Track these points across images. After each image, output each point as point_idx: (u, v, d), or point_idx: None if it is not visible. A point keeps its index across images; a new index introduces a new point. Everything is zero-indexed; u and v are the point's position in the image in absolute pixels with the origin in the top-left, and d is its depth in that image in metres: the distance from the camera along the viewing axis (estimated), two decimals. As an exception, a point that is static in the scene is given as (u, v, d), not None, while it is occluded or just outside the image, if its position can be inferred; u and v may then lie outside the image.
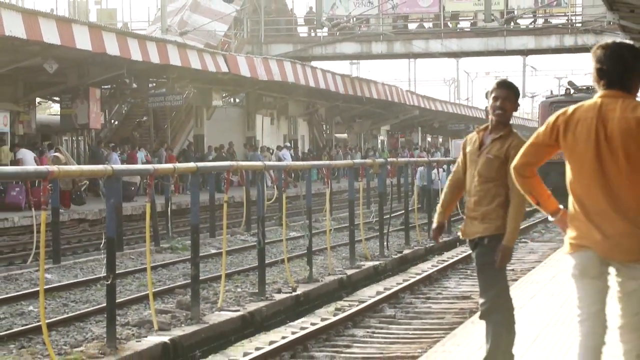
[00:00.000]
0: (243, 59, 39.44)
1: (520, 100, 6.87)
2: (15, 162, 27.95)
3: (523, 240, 23.08)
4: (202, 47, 38.60)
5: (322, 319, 13.05)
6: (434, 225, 6.92)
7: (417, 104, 60.34)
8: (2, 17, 24.36)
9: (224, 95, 45.27)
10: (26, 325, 12.25)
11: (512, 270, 16.88)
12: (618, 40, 5.27)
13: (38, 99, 38.18)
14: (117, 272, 11.72)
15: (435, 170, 27.80)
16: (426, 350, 9.76)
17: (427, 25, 54.46)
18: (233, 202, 29.27)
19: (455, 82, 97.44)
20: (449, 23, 53.85)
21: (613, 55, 4.98)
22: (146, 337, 11.33)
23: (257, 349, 11.16)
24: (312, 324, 12.66)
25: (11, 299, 14.30)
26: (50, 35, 26.18)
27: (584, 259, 5.06)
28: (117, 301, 11.22)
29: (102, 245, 18.15)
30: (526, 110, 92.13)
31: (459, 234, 7.02)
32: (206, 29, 45.94)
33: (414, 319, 13.49)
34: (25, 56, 28.50)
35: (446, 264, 18.83)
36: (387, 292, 15.13)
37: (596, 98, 5.02)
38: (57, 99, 38.14)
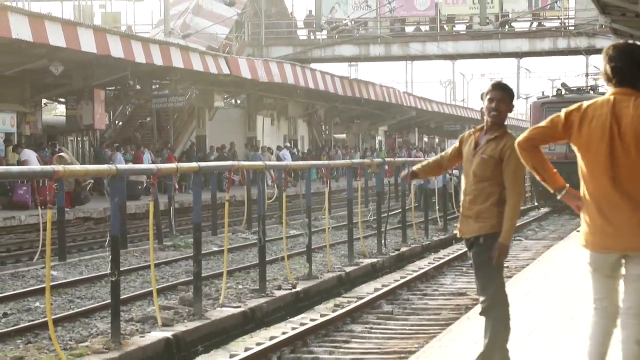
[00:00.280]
0: (244, 61, 39.45)
1: (514, 102, 6.88)
2: (20, 163, 27.95)
3: (517, 238, 23.08)
4: (204, 49, 38.59)
5: (322, 315, 13.05)
6: (409, 171, 7.12)
7: (414, 105, 60.34)
8: (9, 20, 24.37)
9: (225, 96, 45.27)
10: (33, 321, 12.24)
11: (507, 267, 16.86)
12: (617, 42, 5.34)
13: (44, 100, 38.17)
14: (121, 269, 11.72)
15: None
16: (423, 345, 9.75)
17: (424, 28, 54.51)
18: (234, 201, 29.26)
19: (451, 84, 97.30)
20: (445, 26, 53.88)
21: (623, 55, 5.07)
22: (150, 332, 11.33)
23: (258, 344, 11.16)
24: (312, 320, 12.66)
25: (18, 296, 14.30)
26: (56, 37, 26.18)
27: (597, 259, 5.14)
28: (121, 297, 11.23)
29: (106, 243, 18.20)
30: (520, 112, 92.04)
31: (456, 232, 7.03)
32: (208, 31, 45.93)
33: (411, 314, 13.49)
34: (31, 58, 28.50)
35: (442, 261, 18.83)
36: (385, 289, 15.13)
37: (608, 95, 5.12)
38: (62, 100, 38.16)
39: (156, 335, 11.12)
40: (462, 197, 6.83)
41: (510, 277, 13.63)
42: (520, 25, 53.73)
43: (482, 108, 6.88)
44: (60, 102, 41.18)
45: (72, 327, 11.99)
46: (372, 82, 54.58)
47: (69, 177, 18.45)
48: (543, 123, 5.31)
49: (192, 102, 41.44)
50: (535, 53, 53.12)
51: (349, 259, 18.31)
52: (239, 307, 13.14)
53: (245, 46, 51.33)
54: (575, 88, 33.12)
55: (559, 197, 5.34)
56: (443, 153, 7.14)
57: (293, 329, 12.08)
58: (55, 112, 52.97)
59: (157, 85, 39.59)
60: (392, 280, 16.51)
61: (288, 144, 50.54)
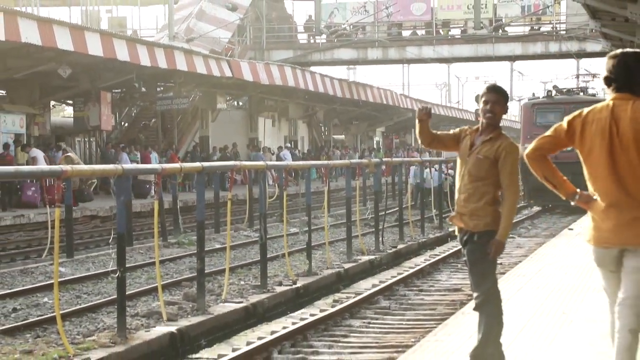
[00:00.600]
0: (246, 64, 39.43)
1: (508, 104, 6.86)
2: (29, 161, 27.98)
3: (511, 235, 23.06)
4: (207, 53, 38.57)
5: (321, 310, 13.05)
6: (428, 109, 6.81)
7: (411, 106, 60.28)
8: (19, 25, 24.36)
9: (228, 98, 45.23)
10: (41, 315, 12.24)
11: (501, 264, 16.86)
12: (617, 49, 5.43)
13: (52, 102, 38.15)
14: (127, 265, 11.72)
15: (427, 170, 27.81)
16: (419, 339, 9.75)
17: (420, 32, 54.49)
18: (236, 199, 29.24)
19: (447, 86, 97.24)
20: (440, 30, 53.87)
21: (618, 64, 5.23)
22: (155, 327, 11.33)
23: (260, 338, 11.17)
24: (312, 315, 12.66)
25: (27, 291, 14.29)
26: (64, 41, 26.17)
27: (600, 254, 5.26)
28: (127, 293, 11.21)
29: (110, 239, 18.19)
30: (514, 113, 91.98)
31: (452, 230, 7.02)
32: (211, 36, 45.92)
33: (407, 310, 13.48)
34: (40, 62, 28.48)
35: (438, 258, 18.83)
36: (382, 285, 15.13)
37: (608, 100, 5.27)
38: (70, 102, 38.16)
39: (161, 329, 11.11)
40: (456, 195, 6.82)
41: (503, 273, 13.62)
42: (513, 30, 53.75)
43: (477, 110, 6.87)
44: (68, 104, 41.17)
45: (79, 321, 11.99)
46: (370, 84, 54.57)
47: (76, 177, 18.42)
48: (548, 132, 5.43)
49: (195, 104, 41.43)
50: (527, 56, 53.11)
51: (348, 256, 18.31)
52: (241, 302, 13.14)
53: (247, 50, 51.31)
54: (565, 90, 33.03)
55: (573, 203, 5.44)
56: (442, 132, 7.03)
57: (293, 323, 12.08)
58: (63, 113, 52.93)
59: (162, 88, 39.57)
60: (389, 276, 16.51)
61: (289, 145, 50.51)
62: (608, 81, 5.28)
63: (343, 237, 20.43)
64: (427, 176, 27.51)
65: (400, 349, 10.15)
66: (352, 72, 79.69)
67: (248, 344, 10.84)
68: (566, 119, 5.39)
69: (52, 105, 39.47)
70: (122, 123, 43.80)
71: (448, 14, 54.19)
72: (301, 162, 30.78)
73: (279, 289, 14.38)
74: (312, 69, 49.45)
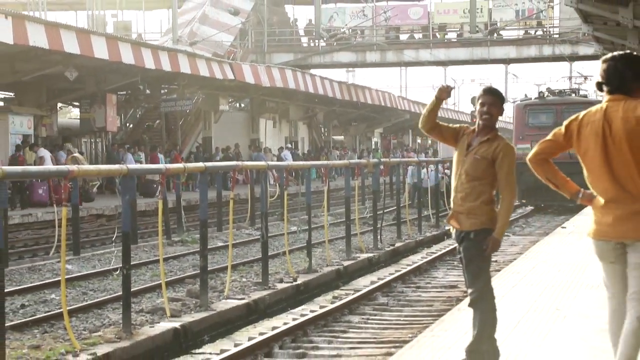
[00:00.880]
0: (248, 67, 39.43)
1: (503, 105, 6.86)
2: (38, 160, 27.99)
3: (505, 234, 23.05)
4: (210, 56, 38.57)
5: (321, 307, 13.04)
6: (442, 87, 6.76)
7: (408, 108, 60.30)
8: (27, 29, 24.36)
9: (230, 100, 45.24)
10: (49, 312, 12.24)
11: (496, 261, 16.88)
12: (614, 52, 5.56)
13: (59, 104, 38.14)
14: (131, 263, 11.72)
15: (424, 170, 27.81)
16: (416, 335, 9.75)
17: (417, 36, 54.53)
18: (238, 199, 29.25)
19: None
20: (437, 34, 53.89)
21: (610, 69, 5.33)
22: (159, 323, 11.33)
23: (261, 334, 11.16)
24: (312, 311, 12.66)
25: (35, 288, 14.29)
26: (70, 45, 26.17)
27: (599, 247, 5.37)
28: (132, 290, 11.22)
29: (113, 237, 18.18)
30: (508, 115, 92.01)
31: (449, 227, 7.01)
32: (214, 39, 45.91)
33: (405, 306, 13.48)
34: (48, 65, 28.47)
35: (435, 255, 18.83)
36: (381, 282, 15.13)
37: (603, 103, 5.38)
38: (76, 104, 38.14)
39: (165, 325, 11.11)
40: (452, 194, 6.82)
41: (498, 270, 13.63)
42: (508, 34, 53.77)
43: (473, 111, 6.87)
44: (74, 106, 41.16)
45: (85, 317, 11.99)
46: (368, 87, 54.54)
47: (82, 177, 18.42)
48: (548, 137, 5.57)
49: (198, 105, 41.42)
50: (522, 59, 53.15)
51: (347, 253, 18.31)
52: (243, 299, 13.14)
53: (249, 53, 51.31)
54: (557, 91, 32.92)
55: (577, 202, 5.58)
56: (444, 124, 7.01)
57: (294, 319, 12.07)
58: (70, 115, 52.84)
59: (166, 90, 39.56)
60: (387, 273, 16.51)
61: (289, 145, 50.50)
62: (601, 85, 5.37)
63: (342, 236, 20.42)
64: (424, 176, 27.52)
65: (397, 344, 10.14)
66: (351, 74, 79.71)
67: (250, 339, 10.83)
68: (564, 122, 5.51)
69: (59, 107, 39.46)
70: (127, 124, 43.80)
71: (444, 18, 54.21)
72: (301, 162, 30.76)
73: (279, 286, 14.38)
74: (312, 71, 49.43)
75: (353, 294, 14.05)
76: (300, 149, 52.65)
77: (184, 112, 40.15)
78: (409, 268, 16.92)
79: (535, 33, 52.80)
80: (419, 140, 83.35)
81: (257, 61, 48.59)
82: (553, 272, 12.54)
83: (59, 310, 11.47)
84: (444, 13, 54.23)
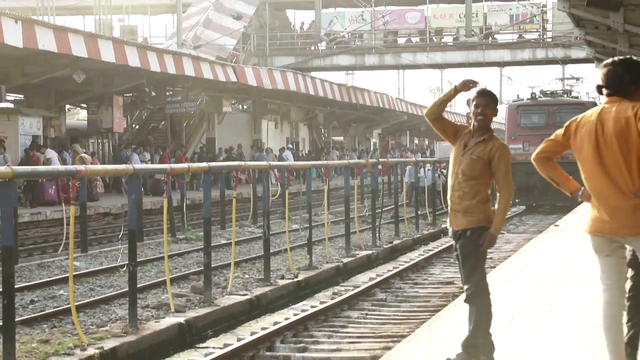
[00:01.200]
0: (250, 70, 39.42)
1: (498, 107, 6.85)
2: (45, 160, 28.00)
3: (500, 232, 23.05)
4: (213, 59, 38.55)
5: (321, 302, 13.05)
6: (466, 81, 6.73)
7: (406, 110, 60.30)
8: (37, 33, 24.37)
9: (233, 102, 45.25)
10: (57, 307, 12.24)
11: (491, 258, 16.87)
12: (613, 56, 5.63)
13: (67, 106, 38.15)
14: (137, 260, 11.72)
15: (422, 170, 27.80)
16: (414, 329, 9.74)
17: (415, 39, 54.53)
18: (241, 197, 29.21)
19: (440, 91, 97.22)
20: (433, 38, 53.88)
21: (609, 73, 5.46)
22: (164, 318, 11.33)
23: (263, 328, 11.17)
24: (312, 307, 12.66)
25: (44, 284, 14.30)
26: (78, 48, 26.18)
27: (595, 241, 5.48)
28: (137, 286, 11.22)
29: (120, 235, 18.17)
30: (502, 116, 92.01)
31: (445, 225, 7.01)
32: (217, 43, 45.91)
33: (403, 302, 13.48)
34: (56, 68, 28.48)
35: (432, 252, 18.82)
36: (379, 278, 15.12)
37: (600, 105, 5.52)
38: (84, 105, 38.14)
39: (170, 320, 11.11)
40: (449, 193, 6.82)
41: (493, 267, 13.62)
42: (502, 37, 53.76)
43: (468, 113, 6.88)
44: (82, 108, 41.17)
45: (93, 313, 11.99)
46: (367, 89, 54.53)
47: (90, 176, 18.41)
48: (550, 137, 5.73)
49: (202, 107, 41.40)
50: (516, 62, 53.16)
51: (346, 251, 18.30)
52: (246, 295, 13.14)
53: (251, 56, 51.30)
54: (549, 92, 32.83)
55: (578, 199, 5.73)
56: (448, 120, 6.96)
57: (295, 315, 12.07)
58: (78, 116, 52.87)
59: (171, 92, 39.55)
60: (385, 270, 16.51)
61: (290, 146, 50.49)
62: (601, 88, 5.48)
63: (342, 233, 20.42)
64: (421, 175, 27.50)
65: (395, 339, 10.14)
66: (350, 77, 79.59)
67: (252, 334, 10.83)
68: (565, 124, 5.67)
69: (67, 109, 39.46)
70: (133, 125, 43.78)
71: (441, 23, 54.22)
72: (302, 162, 30.76)
73: (281, 282, 14.37)
74: (313, 74, 49.41)
75: (352, 290, 14.05)
76: (301, 149, 52.63)
77: (188, 113, 40.12)
78: (406, 265, 16.92)
79: (519, 33, 52.78)
80: (416, 141, 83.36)
81: (259, 64, 48.59)
82: (546, 268, 12.53)
83: (67, 306, 11.46)
84: (441, 17, 54.23)
